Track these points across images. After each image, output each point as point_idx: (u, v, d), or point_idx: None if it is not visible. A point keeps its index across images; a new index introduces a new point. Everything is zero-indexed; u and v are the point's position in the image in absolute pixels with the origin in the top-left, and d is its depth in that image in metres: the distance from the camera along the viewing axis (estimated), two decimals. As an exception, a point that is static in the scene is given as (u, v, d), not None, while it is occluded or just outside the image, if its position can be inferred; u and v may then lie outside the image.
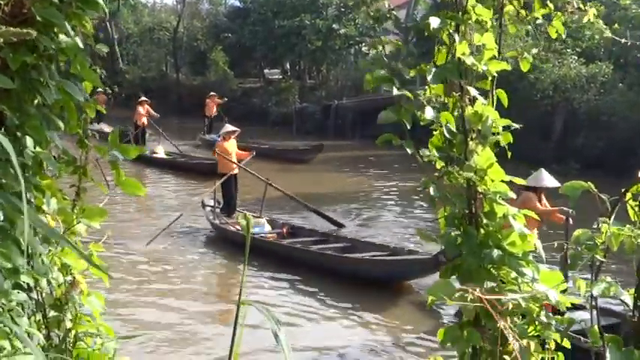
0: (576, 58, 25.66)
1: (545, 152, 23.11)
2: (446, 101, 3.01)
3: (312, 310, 11.22)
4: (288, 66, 42.93)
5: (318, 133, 32.26)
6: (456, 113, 2.97)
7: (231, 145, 16.67)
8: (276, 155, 25.59)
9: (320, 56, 37.51)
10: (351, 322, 10.85)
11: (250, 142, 24.83)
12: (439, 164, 3.01)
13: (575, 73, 24.81)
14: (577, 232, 2.73)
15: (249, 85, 41.42)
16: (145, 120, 27.57)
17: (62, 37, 2.75)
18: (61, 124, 2.87)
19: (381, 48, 3.08)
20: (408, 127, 3.02)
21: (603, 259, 2.63)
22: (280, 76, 42.05)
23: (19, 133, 2.68)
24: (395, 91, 2.97)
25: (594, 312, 2.71)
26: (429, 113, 2.93)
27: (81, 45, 2.81)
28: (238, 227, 14.54)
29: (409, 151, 2.97)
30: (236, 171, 16.42)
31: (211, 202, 16.17)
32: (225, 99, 31.16)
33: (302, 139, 30.77)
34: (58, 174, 2.98)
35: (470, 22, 2.93)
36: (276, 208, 16.87)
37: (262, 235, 14.63)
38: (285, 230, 15.03)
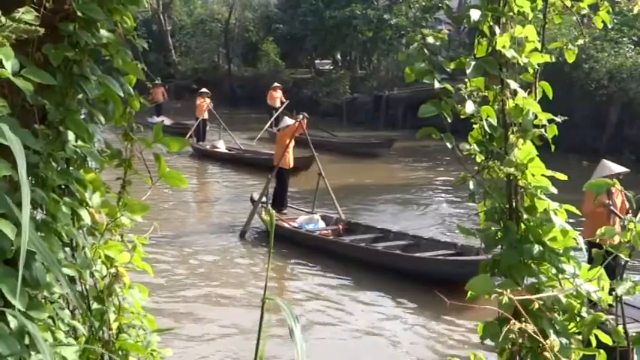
0: (632, 47, 25.11)
1: (599, 143, 22.73)
2: (486, 94, 2.96)
3: (370, 310, 11.12)
4: (339, 56, 42.81)
5: (369, 124, 32.12)
6: (496, 106, 2.92)
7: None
8: (338, 148, 25.24)
9: (371, 47, 37.33)
10: (412, 322, 10.74)
11: (319, 136, 24.51)
12: (479, 158, 2.97)
13: (631, 63, 24.27)
14: (601, 230, 2.67)
15: (300, 75, 41.39)
16: (206, 113, 26.85)
17: (103, 32, 2.78)
18: (102, 118, 2.90)
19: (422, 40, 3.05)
20: (449, 121, 2.99)
21: (628, 259, 2.57)
22: (331, 67, 41.96)
23: (61, 128, 2.72)
24: (436, 84, 2.95)
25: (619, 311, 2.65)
26: (469, 107, 2.88)
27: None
28: (292, 223, 14.52)
29: (449, 145, 2.94)
30: (291, 164, 16.39)
31: (263, 198, 15.58)
32: (286, 101, 30.32)
33: (352, 130, 30.63)
34: (101, 168, 3.01)
35: (511, 14, 2.88)
36: (328, 203, 15.88)
37: (317, 232, 14.32)
38: (341, 227, 14.54)
